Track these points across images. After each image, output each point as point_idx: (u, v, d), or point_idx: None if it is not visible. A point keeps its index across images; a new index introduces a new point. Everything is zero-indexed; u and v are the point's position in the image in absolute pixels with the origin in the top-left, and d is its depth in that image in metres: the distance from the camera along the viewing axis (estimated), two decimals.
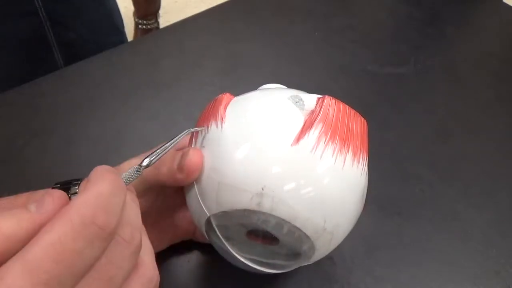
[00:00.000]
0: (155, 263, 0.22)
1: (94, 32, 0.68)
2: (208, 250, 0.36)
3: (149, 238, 0.33)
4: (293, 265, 0.29)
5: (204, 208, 0.27)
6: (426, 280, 0.36)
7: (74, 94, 0.49)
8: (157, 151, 0.25)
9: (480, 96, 0.53)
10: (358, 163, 0.26)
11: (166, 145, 0.25)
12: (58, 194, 0.19)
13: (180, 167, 0.27)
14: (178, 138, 0.26)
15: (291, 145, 0.25)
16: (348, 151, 0.26)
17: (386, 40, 0.61)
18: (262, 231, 0.26)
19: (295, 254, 0.28)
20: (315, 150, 0.25)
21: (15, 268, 0.15)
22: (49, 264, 0.16)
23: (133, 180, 0.23)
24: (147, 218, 0.33)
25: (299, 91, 0.29)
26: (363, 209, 0.29)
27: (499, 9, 0.67)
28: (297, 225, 0.25)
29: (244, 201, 0.25)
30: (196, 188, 0.27)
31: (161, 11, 1.39)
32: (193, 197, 0.28)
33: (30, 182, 0.21)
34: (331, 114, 0.26)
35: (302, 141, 0.25)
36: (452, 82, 0.55)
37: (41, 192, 0.19)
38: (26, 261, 0.15)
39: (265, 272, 0.28)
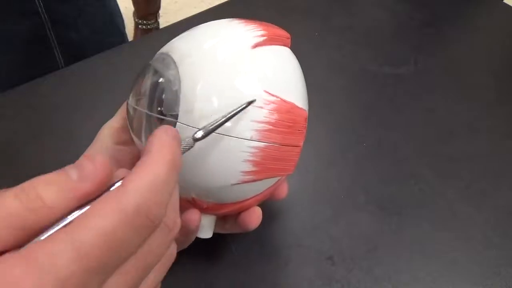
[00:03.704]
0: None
1: (95, 32, 0.68)
2: (208, 250, 0.36)
3: None
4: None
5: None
6: (426, 280, 0.36)
7: (74, 94, 0.49)
8: (213, 120, 0.24)
9: (480, 96, 0.53)
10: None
11: (224, 115, 0.24)
12: (100, 160, 0.18)
13: None
14: (238, 110, 0.25)
15: None
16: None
17: (386, 40, 0.61)
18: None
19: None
20: None
21: (67, 250, 0.15)
22: (100, 251, 0.15)
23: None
24: None
25: None
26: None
27: (499, 9, 0.67)
28: (170, 53, 0.30)
29: None
30: None
31: (161, 11, 1.39)
32: None
33: None
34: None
35: None
36: (452, 82, 0.55)
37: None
38: (78, 245, 0.15)
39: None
